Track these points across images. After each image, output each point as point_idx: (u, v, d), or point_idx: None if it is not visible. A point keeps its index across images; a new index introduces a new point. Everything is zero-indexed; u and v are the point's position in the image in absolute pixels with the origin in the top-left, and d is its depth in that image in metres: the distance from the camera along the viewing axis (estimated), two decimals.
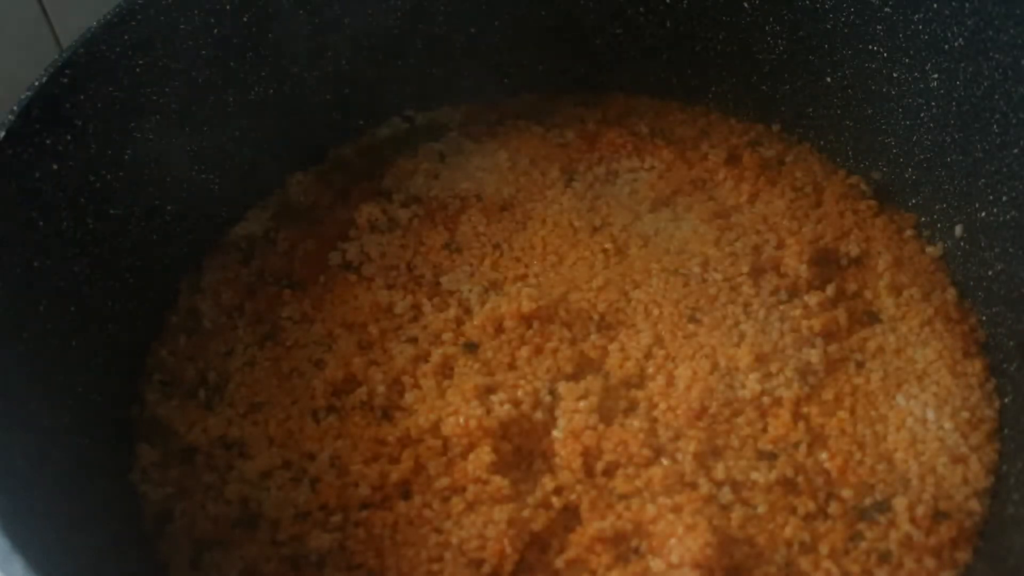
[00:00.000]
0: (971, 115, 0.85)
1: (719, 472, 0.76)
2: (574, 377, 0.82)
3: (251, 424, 0.81)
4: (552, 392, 0.81)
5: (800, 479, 0.76)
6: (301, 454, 0.79)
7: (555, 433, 0.78)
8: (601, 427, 0.78)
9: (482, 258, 0.91)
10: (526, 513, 0.74)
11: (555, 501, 0.75)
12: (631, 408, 0.80)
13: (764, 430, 0.79)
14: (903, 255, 0.91)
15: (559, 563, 0.73)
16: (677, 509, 0.74)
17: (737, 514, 0.74)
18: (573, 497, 0.75)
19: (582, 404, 0.79)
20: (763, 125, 1.02)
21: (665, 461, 0.77)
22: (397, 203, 0.96)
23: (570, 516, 0.75)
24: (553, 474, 0.77)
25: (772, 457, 0.77)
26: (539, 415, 0.79)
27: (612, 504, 0.75)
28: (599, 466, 0.77)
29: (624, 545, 0.74)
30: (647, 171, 0.97)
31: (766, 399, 0.80)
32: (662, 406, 0.80)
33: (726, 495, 0.75)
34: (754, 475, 0.76)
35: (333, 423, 0.81)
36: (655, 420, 0.79)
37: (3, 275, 0.72)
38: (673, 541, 0.72)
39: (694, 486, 0.75)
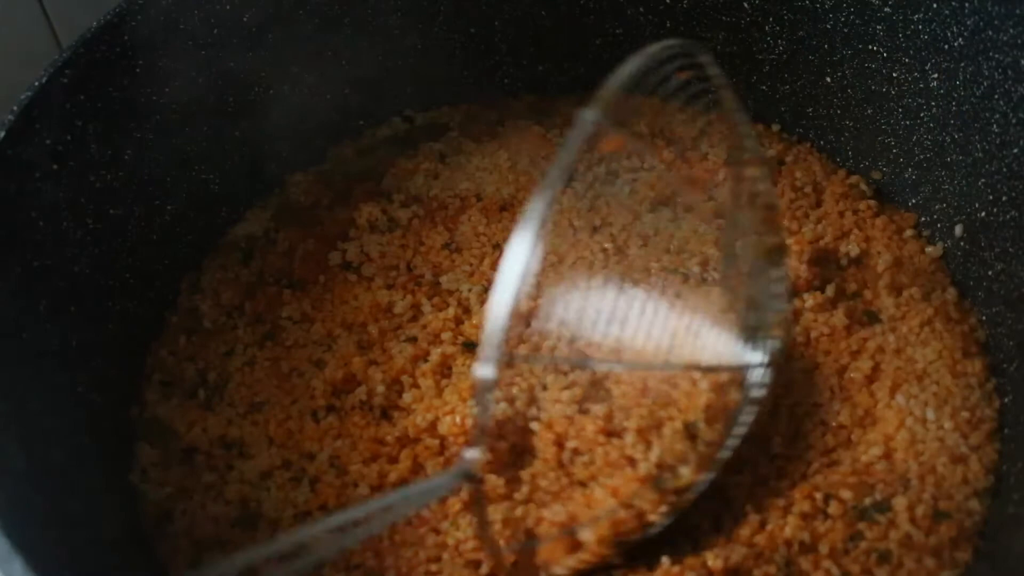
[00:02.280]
0: (971, 115, 0.85)
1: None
2: (566, 372, 0.81)
3: (251, 424, 0.82)
4: (545, 386, 0.81)
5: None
6: (301, 454, 0.79)
7: (533, 425, 0.78)
8: (577, 416, 0.78)
9: (482, 258, 0.91)
10: (519, 512, 0.74)
11: (533, 493, 0.75)
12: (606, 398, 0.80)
13: None
14: (903, 255, 0.91)
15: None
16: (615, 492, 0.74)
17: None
18: (544, 484, 0.75)
19: (565, 395, 0.79)
20: (763, 125, 1.02)
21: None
22: (397, 203, 0.96)
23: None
24: (533, 467, 0.77)
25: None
26: (532, 411, 0.79)
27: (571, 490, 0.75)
28: (566, 455, 0.77)
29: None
30: (647, 171, 0.97)
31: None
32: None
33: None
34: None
35: (333, 423, 0.81)
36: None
37: (3, 275, 0.72)
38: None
39: (634, 464, 0.75)
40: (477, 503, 0.66)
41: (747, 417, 0.75)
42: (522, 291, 0.57)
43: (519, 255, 0.57)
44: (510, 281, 0.57)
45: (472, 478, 0.62)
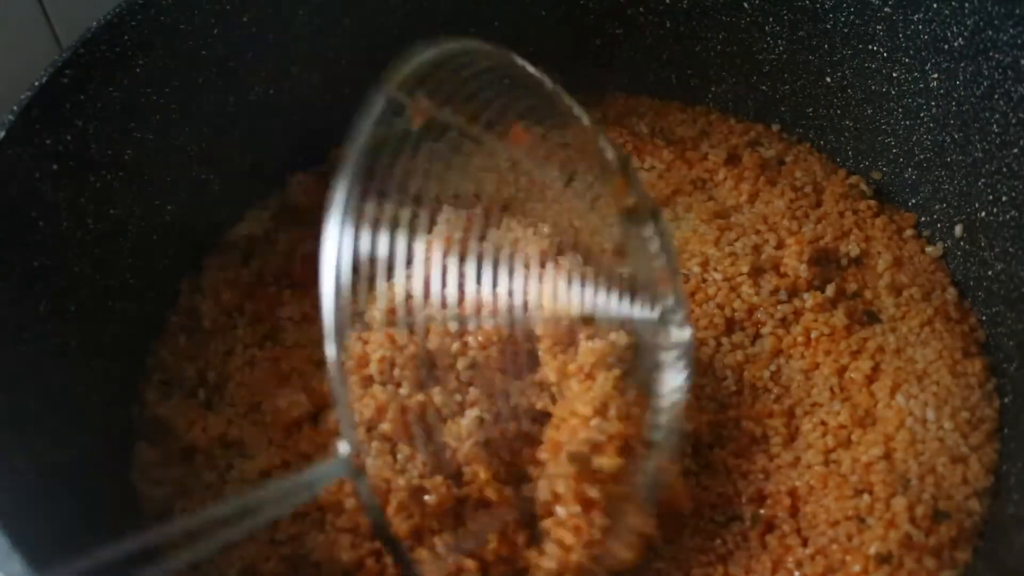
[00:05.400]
0: (971, 115, 0.85)
1: None
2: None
3: (251, 424, 0.81)
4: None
5: None
6: (299, 454, 0.79)
7: None
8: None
9: None
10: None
11: None
12: None
13: None
14: (903, 255, 0.91)
15: None
16: None
17: None
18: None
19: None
20: (763, 125, 1.02)
21: None
22: (397, 203, 0.96)
23: None
24: None
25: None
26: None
27: None
28: None
29: None
30: (647, 171, 0.97)
31: None
32: None
33: None
34: None
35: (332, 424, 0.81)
36: None
37: (3, 275, 0.72)
38: None
39: None
40: (366, 500, 0.61)
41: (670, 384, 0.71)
42: (345, 276, 0.58)
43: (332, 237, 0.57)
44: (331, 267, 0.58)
45: (351, 472, 0.58)
